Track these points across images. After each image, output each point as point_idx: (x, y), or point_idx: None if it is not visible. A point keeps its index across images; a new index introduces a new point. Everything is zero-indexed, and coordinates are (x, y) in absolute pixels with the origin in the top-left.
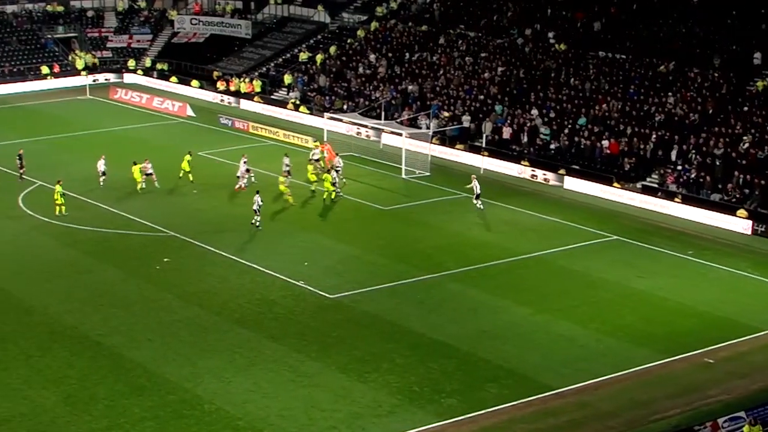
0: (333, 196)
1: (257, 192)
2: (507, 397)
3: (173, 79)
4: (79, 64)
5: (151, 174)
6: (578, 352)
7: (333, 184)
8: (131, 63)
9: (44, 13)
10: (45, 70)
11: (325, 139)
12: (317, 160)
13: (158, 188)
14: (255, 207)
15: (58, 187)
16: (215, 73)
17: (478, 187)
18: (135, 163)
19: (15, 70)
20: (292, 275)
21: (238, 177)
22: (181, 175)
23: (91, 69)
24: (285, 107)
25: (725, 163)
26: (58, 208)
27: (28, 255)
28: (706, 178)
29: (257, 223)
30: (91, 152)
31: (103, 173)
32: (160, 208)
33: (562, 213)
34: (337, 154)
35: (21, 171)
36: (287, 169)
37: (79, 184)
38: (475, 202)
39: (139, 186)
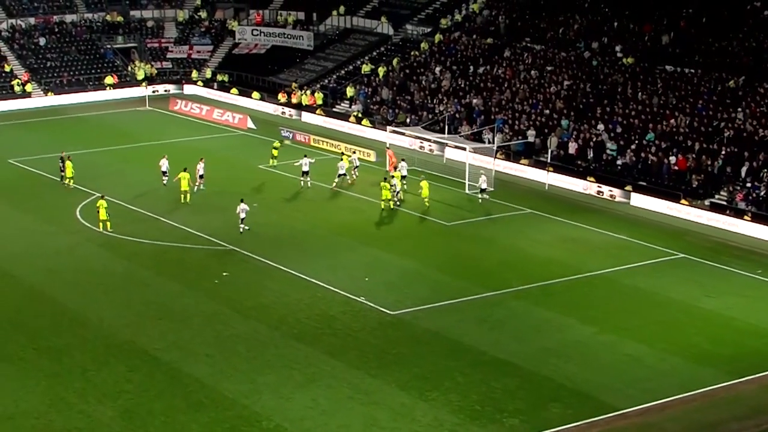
0: (391, 206)
1: (242, 200)
2: (570, 418)
3: (234, 90)
4: (140, 75)
5: (202, 176)
6: (644, 372)
7: (396, 193)
8: (194, 74)
9: (104, 23)
10: (109, 80)
11: (387, 145)
12: (344, 176)
13: (203, 190)
14: (242, 214)
15: (102, 203)
16: (293, 84)
17: (485, 181)
18: (185, 170)
19: (74, 80)
20: (353, 291)
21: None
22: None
23: (150, 80)
24: (347, 120)
25: None
26: (102, 224)
27: (84, 267)
28: None
29: (242, 230)
30: (151, 164)
31: (165, 173)
32: (219, 222)
33: (628, 230)
34: (402, 160)
35: (62, 174)
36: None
37: (137, 196)
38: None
39: (195, 187)
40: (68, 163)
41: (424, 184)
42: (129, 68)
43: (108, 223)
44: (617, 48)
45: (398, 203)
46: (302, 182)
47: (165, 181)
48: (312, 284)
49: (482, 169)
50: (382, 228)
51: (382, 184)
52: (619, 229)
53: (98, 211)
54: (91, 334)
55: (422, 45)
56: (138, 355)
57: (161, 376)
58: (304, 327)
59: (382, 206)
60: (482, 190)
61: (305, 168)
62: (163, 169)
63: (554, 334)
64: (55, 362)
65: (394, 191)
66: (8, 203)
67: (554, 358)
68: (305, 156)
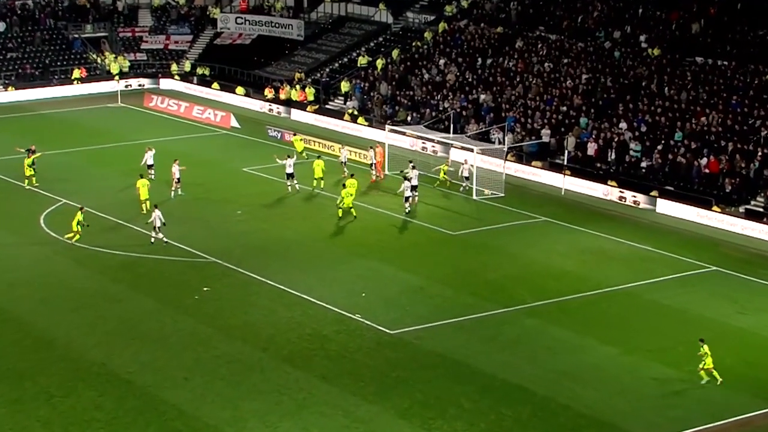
0: (347, 212)
1: (155, 206)
2: None
3: (215, 85)
4: (114, 69)
5: (179, 180)
6: (671, 398)
7: (407, 199)
8: (174, 67)
9: (71, 7)
10: (77, 73)
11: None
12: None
13: (181, 195)
14: (157, 224)
15: (79, 215)
16: (297, 75)
17: (466, 170)
18: (142, 177)
19: (37, 73)
20: (348, 308)
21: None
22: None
23: (122, 73)
24: (341, 118)
25: None
26: (73, 234)
27: (50, 282)
28: None
29: (153, 240)
30: (123, 166)
31: (151, 166)
32: (199, 231)
33: (653, 240)
34: (413, 167)
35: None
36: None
37: (107, 202)
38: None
39: (172, 192)
40: (27, 160)
41: (351, 183)
42: (99, 60)
43: (77, 236)
44: (642, 38)
45: (408, 211)
46: (289, 186)
47: (152, 175)
48: (303, 300)
49: (466, 158)
50: (381, 238)
51: (349, 181)
52: (644, 239)
53: (73, 223)
54: (58, 356)
55: (425, 35)
56: (109, 379)
57: (135, 402)
58: (294, 348)
59: (339, 213)
60: (466, 179)
61: (289, 170)
62: (149, 162)
63: (571, 356)
64: (16, 387)
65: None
66: None
67: (571, 383)
68: (288, 156)
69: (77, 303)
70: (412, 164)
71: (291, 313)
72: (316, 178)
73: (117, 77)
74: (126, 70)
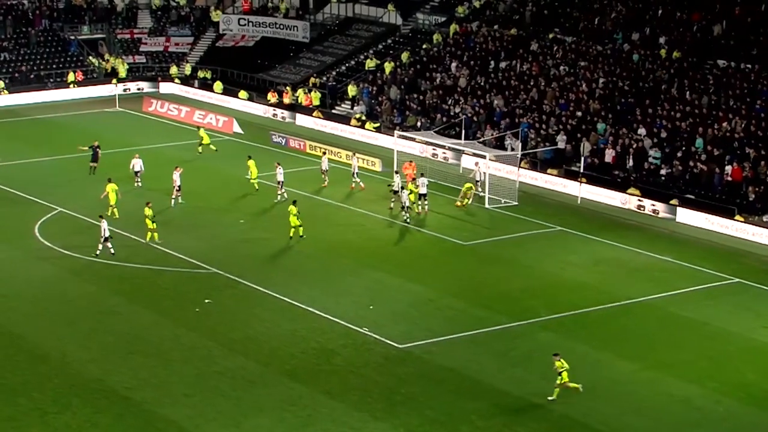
0: (300, 233)
1: (101, 216)
2: None
3: (218, 85)
4: (122, 72)
5: (180, 187)
6: (693, 415)
7: (405, 209)
8: (174, 70)
9: (66, 7)
10: (72, 77)
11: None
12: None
13: (182, 204)
14: (105, 233)
15: (147, 210)
16: (312, 80)
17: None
18: (110, 181)
19: (33, 76)
20: (355, 321)
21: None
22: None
23: (121, 77)
24: (348, 123)
25: None
26: (293, 230)
27: (44, 293)
28: None
29: (98, 252)
30: (121, 173)
31: (137, 173)
32: (200, 240)
33: (673, 251)
34: (422, 174)
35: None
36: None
37: (104, 210)
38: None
39: (173, 201)
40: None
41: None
42: (97, 63)
43: (155, 234)
44: (661, 40)
45: (407, 220)
46: (279, 195)
47: (138, 183)
48: (307, 313)
49: (477, 159)
50: (389, 248)
51: (290, 207)
52: (663, 250)
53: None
54: (52, 371)
55: (435, 37)
56: (106, 395)
57: (132, 420)
58: (299, 362)
59: (291, 233)
60: (477, 182)
61: (279, 177)
62: (136, 169)
63: (588, 371)
64: (8, 403)
65: (405, 206)
66: None
67: (588, 400)
68: (278, 164)
69: (73, 316)
70: (422, 175)
71: (295, 327)
72: (252, 179)
73: (114, 80)
74: (123, 75)
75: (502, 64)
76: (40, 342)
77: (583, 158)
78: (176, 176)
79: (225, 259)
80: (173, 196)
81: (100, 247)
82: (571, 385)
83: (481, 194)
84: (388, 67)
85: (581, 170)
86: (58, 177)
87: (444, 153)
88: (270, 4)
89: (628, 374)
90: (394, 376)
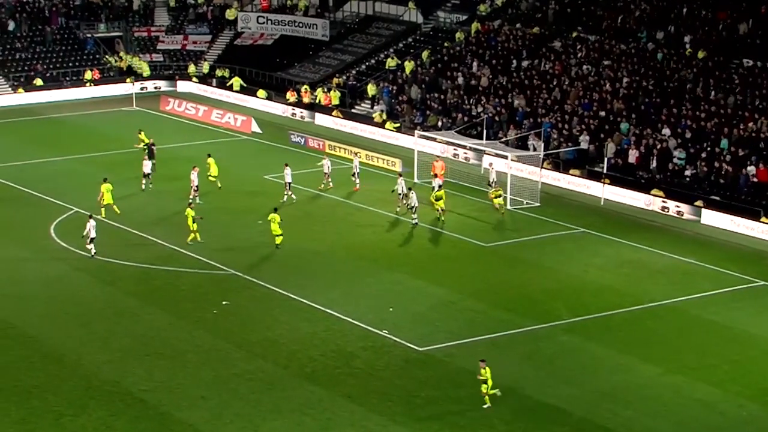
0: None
1: (90, 216)
2: None
3: (236, 81)
4: (145, 71)
5: (197, 187)
6: (716, 420)
7: (411, 208)
8: (191, 69)
9: (83, 4)
10: (89, 75)
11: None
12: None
13: (200, 204)
14: (92, 234)
15: (189, 211)
16: (335, 80)
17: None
18: (105, 181)
19: (48, 75)
20: (374, 323)
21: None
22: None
23: (138, 75)
24: (368, 123)
25: None
26: (193, 234)
27: (60, 295)
28: None
29: (92, 253)
30: (138, 173)
31: (147, 175)
32: (217, 242)
33: (698, 253)
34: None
35: (153, 162)
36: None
37: (123, 212)
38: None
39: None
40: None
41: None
42: (113, 61)
43: (197, 234)
44: (686, 38)
45: (416, 222)
46: (285, 195)
47: (145, 185)
48: (327, 315)
49: (492, 162)
50: (409, 250)
51: (272, 215)
52: (688, 252)
53: (188, 222)
54: (67, 373)
55: (457, 35)
56: (122, 397)
57: (149, 423)
58: (318, 365)
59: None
60: (490, 184)
61: (288, 179)
62: (146, 171)
63: (611, 375)
64: (23, 406)
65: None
66: None
67: (611, 404)
68: (287, 165)
69: (88, 317)
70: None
71: (314, 329)
72: (212, 177)
73: (131, 79)
74: (141, 72)
75: (525, 63)
76: (56, 343)
77: (606, 159)
78: (194, 176)
79: (243, 260)
80: (191, 196)
81: (90, 247)
82: (484, 390)
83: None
84: (408, 66)
85: (604, 171)
86: (74, 177)
87: (465, 153)
88: (289, 2)
89: (651, 378)
90: (414, 379)
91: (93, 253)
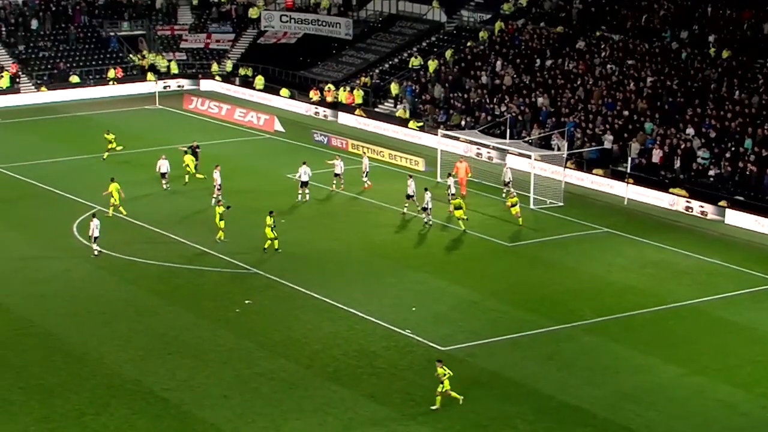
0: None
1: (93, 215)
2: None
3: (259, 80)
4: (170, 67)
5: (220, 186)
6: (739, 421)
7: (424, 209)
8: (215, 68)
9: (106, 3)
10: (111, 73)
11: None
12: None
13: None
14: (95, 232)
15: (269, 220)
16: (363, 79)
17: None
18: (113, 180)
19: (71, 73)
20: (397, 323)
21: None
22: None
23: (161, 74)
24: (391, 122)
25: None
26: (268, 242)
27: (81, 294)
28: None
29: (96, 252)
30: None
31: (164, 174)
32: (240, 241)
33: (722, 253)
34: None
35: (196, 164)
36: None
37: (145, 210)
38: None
39: (213, 199)
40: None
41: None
42: (136, 59)
43: (275, 242)
44: (710, 38)
45: (428, 223)
46: (300, 194)
47: (165, 185)
48: (349, 314)
49: (505, 161)
50: (432, 249)
51: (266, 219)
52: (711, 252)
53: (265, 230)
54: (89, 372)
55: (480, 34)
56: (143, 396)
57: (170, 421)
58: (340, 365)
59: (266, 245)
60: (506, 183)
61: (304, 178)
62: (163, 170)
63: (633, 376)
64: (46, 404)
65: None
66: None
67: (633, 404)
68: (304, 163)
69: (110, 316)
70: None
71: (337, 328)
72: (188, 173)
73: (154, 77)
74: (164, 69)
75: (548, 63)
76: (78, 342)
77: (630, 158)
78: (216, 175)
79: (266, 259)
80: (214, 195)
81: (94, 246)
82: (453, 394)
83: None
84: (432, 65)
85: (628, 170)
86: (97, 175)
87: (488, 152)
88: (312, 1)
89: (674, 379)
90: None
91: (96, 252)
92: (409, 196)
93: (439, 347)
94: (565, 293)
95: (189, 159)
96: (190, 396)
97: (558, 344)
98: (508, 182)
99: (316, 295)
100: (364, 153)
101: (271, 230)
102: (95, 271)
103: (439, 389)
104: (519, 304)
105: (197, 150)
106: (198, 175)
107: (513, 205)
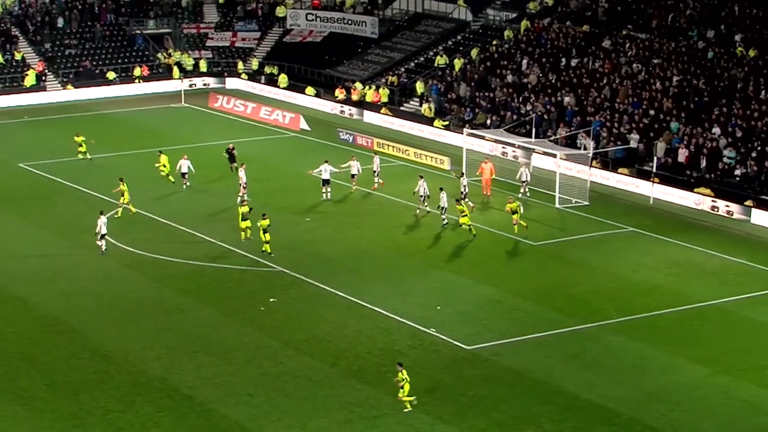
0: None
1: (101, 212)
2: None
3: (282, 78)
4: (199, 65)
5: (245, 186)
6: (765, 421)
7: (441, 209)
8: (240, 66)
9: (133, 1)
10: (137, 71)
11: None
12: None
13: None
14: (103, 229)
15: (241, 209)
16: (390, 78)
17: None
18: (122, 181)
19: (97, 71)
20: (422, 321)
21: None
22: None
23: (186, 72)
24: (417, 121)
25: None
26: (244, 234)
27: (107, 291)
28: None
29: (103, 249)
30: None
31: (185, 174)
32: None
33: (748, 253)
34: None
35: (233, 165)
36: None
37: (168, 208)
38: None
39: (239, 198)
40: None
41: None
42: (162, 58)
43: (267, 246)
44: (737, 37)
45: (446, 223)
46: (323, 193)
47: (187, 184)
48: (374, 313)
49: (523, 159)
50: (457, 248)
51: (261, 222)
52: (738, 252)
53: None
54: (115, 370)
55: (506, 33)
56: (169, 393)
57: (195, 419)
58: (365, 363)
59: (265, 248)
60: (523, 182)
61: (325, 176)
62: (183, 170)
63: (659, 376)
64: (72, 402)
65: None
66: (18, 216)
67: (659, 404)
68: (326, 162)
69: (136, 314)
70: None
71: (362, 327)
72: (165, 173)
73: (180, 75)
74: (190, 68)
75: (574, 62)
76: (104, 340)
77: (655, 158)
78: (242, 173)
79: (291, 257)
80: (240, 194)
81: (100, 243)
82: (405, 400)
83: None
84: (457, 63)
85: (654, 170)
86: (123, 173)
87: (514, 151)
88: (338, 0)
89: (700, 378)
90: (461, 378)
91: (104, 250)
92: (421, 196)
93: (464, 346)
94: (591, 293)
95: (164, 159)
96: (215, 394)
97: (583, 344)
98: (525, 182)
99: (341, 294)
100: (375, 154)
101: (264, 233)
102: (121, 269)
103: (401, 394)
104: (544, 304)
105: (233, 152)
106: (170, 178)
107: (514, 212)
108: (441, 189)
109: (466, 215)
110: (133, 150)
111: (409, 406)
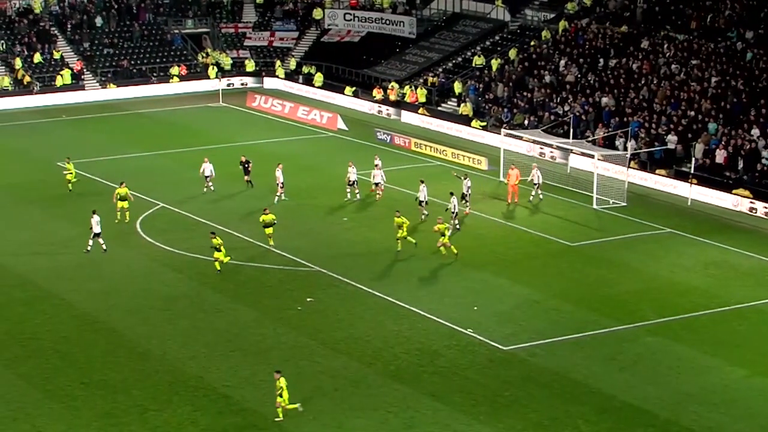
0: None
1: (94, 212)
2: None
3: (318, 77)
4: (250, 66)
5: (283, 184)
6: None
7: (453, 213)
8: (278, 66)
9: (171, 1)
10: (176, 71)
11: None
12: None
13: (285, 201)
14: (96, 228)
15: (215, 241)
16: (431, 79)
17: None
18: (122, 184)
19: (135, 70)
20: (459, 322)
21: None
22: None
23: (224, 72)
24: (455, 121)
25: None
26: (216, 263)
27: (145, 290)
28: None
29: (104, 248)
30: (225, 170)
31: (208, 177)
32: (303, 239)
33: None
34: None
35: (246, 178)
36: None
37: (208, 208)
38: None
39: (276, 198)
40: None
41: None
42: (200, 57)
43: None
44: None
45: (458, 227)
46: (348, 193)
47: (211, 187)
48: (411, 313)
49: (535, 160)
50: (494, 249)
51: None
52: None
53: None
54: (152, 368)
55: (544, 33)
56: (206, 393)
57: (232, 418)
58: (402, 363)
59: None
60: (536, 185)
61: (352, 177)
62: (206, 173)
63: (696, 377)
64: (109, 400)
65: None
66: (57, 214)
67: (696, 405)
68: (351, 164)
69: (173, 313)
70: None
71: (399, 327)
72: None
73: (219, 75)
74: (228, 67)
75: (612, 62)
76: (141, 339)
77: (693, 159)
78: (279, 173)
79: (328, 257)
80: (277, 193)
81: (90, 243)
82: (280, 408)
83: (539, 196)
84: (495, 64)
85: (692, 171)
86: (161, 172)
87: (552, 152)
88: (376, 0)
89: (738, 380)
90: (498, 379)
91: (104, 248)
92: (420, 202)
93: (500, 346)
94: (628, 293)
95: (70, 166)
96: (251, 393)
97: (620, 344)
98: (537, 185)
99: (378, 294)
100: (377, 157)
101: (216, 250)
102: (158, 268)
103: (279, 401)
104: (581, 304)
105: (248, 166)
106: (70, 186)
107: (442, 234)
108: (452, 193)
109: (444, 235)
110: (173, 149)
111: (281, 415)
